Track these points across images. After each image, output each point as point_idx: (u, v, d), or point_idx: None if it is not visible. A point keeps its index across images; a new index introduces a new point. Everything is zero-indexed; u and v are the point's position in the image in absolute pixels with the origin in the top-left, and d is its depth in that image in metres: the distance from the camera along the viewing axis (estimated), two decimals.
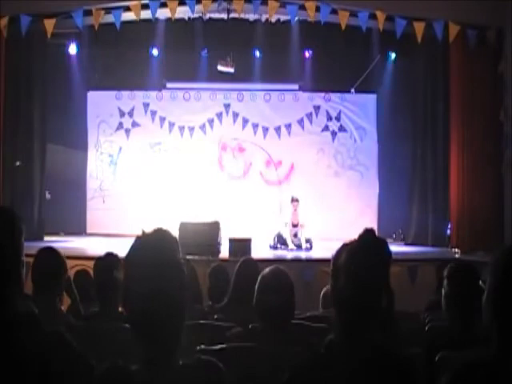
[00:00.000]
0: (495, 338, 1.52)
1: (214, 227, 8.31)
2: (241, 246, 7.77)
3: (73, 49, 10.96)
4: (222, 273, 4.39)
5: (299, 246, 9.35)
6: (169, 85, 11.77)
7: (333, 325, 1.76)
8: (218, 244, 8.17)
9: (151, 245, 1.57)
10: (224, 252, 8.08)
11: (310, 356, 1.73)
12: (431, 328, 3.04)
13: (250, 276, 3.57)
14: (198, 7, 8.95)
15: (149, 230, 1.61)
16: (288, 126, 11.73)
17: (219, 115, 11.75)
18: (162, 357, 1.54)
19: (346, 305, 1.70)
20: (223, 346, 2.60)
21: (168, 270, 1.55)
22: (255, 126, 11.75)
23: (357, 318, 1.68)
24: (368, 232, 1.76)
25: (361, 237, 1.75)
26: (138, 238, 1.59)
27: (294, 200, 9.71)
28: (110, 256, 3.36)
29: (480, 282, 2.76)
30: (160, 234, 1.60)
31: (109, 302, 3.14)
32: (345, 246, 1.76)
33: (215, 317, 3.56)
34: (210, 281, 4.45)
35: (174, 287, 1.54)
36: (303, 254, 8.99)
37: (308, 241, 9.40)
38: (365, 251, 1.72)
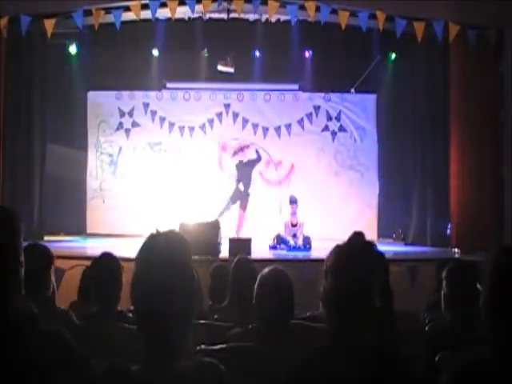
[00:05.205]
0: (492, 338, 1.53)
1: (214, 227, 8.31)
2: (241, 246, 7.75)
3: (73, 49, 10.96)
4: (223, 272, 4.38)
5: (298, 246, 9.34)
6: (169, 85, 11.78)
7: (327, 326, 1.77)
8: (218, 244, 8.15)
9: (164, 245, 1.57)
10: (224, 252, 8.07)
11: (308, 356, 1.73)
12: (431, 328, 3.04)
13: (246, 275, 3.59)
14: (198, 7, 8.94)
15: (162, 229, 1.61)
16: (288, 126, 11.73)
17: (219, 115, 11.75)
18: (164, 358, 1.54)
19: (335, 306, 1.71)
20: (223, 346, 2.60)
21: (178, 272, 1.55)
22: (255, 126, 11.75)
23: (345, 318, 1.69)
24: (356, 235, 1.77)
25: (349, 239, 1.77)
26: (152, 237, 1.59)
27: (293, 202, 9.70)
28: (107, 255, 3.35)
29: (477, 284, 2.76)
30: (174, 235, 1.60)
31: (108, 301, 3.14)
32: (337, 247, 1.78)
33: (215, 317, 3.56)
34: (211, 280, 4.45)
35: (182, 289, 1.54)
36: (302, 254, 8.98)
37: (307, 241, 9.39)
38: (352, 253, 1.73)
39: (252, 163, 10.70)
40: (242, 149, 10.87)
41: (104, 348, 2.42)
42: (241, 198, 10.51)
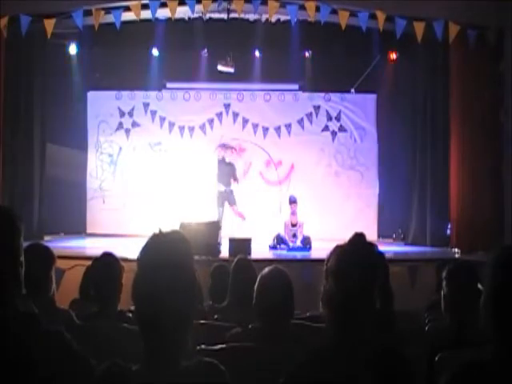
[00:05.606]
0: (493, 338, 1.52)
1: (214, 227, 8.31)
2: (241, 246, 7.76)
3: (73, 49, 10.95)
4: (223, 272, 4.38)
5: (298, 246, 9.34)
6: (169, 85, 11.78)
7: (327, 326, 1.77)
8: (218, 244, 8.16)
9: (166, 245, 1.57)
10: (224, 252, 8.08)
11: (308, 357, 1.73)
12: (431, 328, 3.04)
13: (246, 275, 3.58)
14: (198, 7, 8.94)
15: (164, 229, 1.61)
16: (288, 126, 11.73)
17: (219, 115, 11.75)
18: (165, 358, 1.54)
19: (335, 306, 1.71)
20: (223, 346, 2.60)
21: (180, 272, 1.55)
22: (255, 126, 11.75)
23: (346, 319, 1.69)
24: (357, 236, 1.77)
25: (350, 240, 1.76)
26: (154, 237, 1.59)
27: (292, 202, 9.69)
28: (107, 256, 3.35)
29: (478, 285, 2.76)
30: (176, 236, 1.60)
31: (108, 301, 3.14)
32: (337, 247, 1.78)
33: (215, 317, 3.56)
34: (211, 280, 4.45)
35: (184, 289, 1.54)
36: (302, 254, 8.98)
37: (307, 241, 9.39)
38: (352, 254, 1.73)
39: (232, 168, 10.26)
40: (230, 148, 10.60)
41: (104, 348, 2.41)
42: (225, 197, 10.25)
